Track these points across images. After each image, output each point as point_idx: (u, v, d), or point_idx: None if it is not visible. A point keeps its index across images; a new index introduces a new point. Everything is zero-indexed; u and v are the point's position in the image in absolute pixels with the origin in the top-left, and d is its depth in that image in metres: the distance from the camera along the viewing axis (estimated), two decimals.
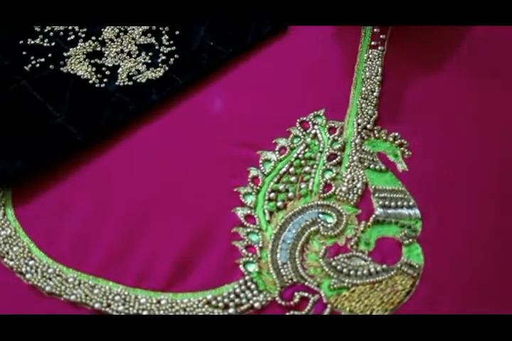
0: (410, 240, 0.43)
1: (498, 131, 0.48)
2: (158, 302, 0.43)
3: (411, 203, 0.45)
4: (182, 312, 0.42)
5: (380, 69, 0.51)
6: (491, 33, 0.53)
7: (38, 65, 0.52)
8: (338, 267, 0.43)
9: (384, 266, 0.42)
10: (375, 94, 0.50)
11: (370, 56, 0.52)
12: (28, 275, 0.44)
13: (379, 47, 0.52)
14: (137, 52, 0.53)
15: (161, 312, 0.42)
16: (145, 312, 0.42)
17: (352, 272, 0.42)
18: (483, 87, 0.50)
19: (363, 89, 0.50)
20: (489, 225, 0.44)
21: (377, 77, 0.51)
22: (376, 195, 0.45)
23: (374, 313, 0.41)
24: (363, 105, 0.50)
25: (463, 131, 0.48)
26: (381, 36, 0.53)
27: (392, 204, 0.45)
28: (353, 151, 0.48)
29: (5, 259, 0.45)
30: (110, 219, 0.46)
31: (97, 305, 0.43)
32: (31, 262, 0.45)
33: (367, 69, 0.51)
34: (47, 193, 0.47)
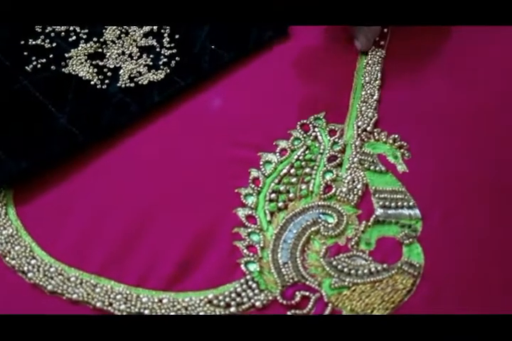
0: (411, 240, 0.44)
1: (497, 131, 0.49)
2: (160, 301, 0.43)
3: (411, 203, 0.46)
4: (183, 311, 0.43)
5: (379, 75, 0.52)
6: (490, 34, 0.54)
7: (39, 66, 0.52)
8: (339, 266, 0.43)
9: (385, 266, 0.43)
10: (374, 97, 0.51)
11: (370, 62, 0.53)
12: (29, 274, 0.44)
13: (378, 53, 0.53)
14: (138, 54, 0.54)
15: (163, 311, 0.43)
16: (147, 311, 0.43)
17: (353, 271, 0.43)
18: (482, 88, 0.51)
19: (363, 93, 0.51)
20: (489, 224, 0.45)
21: (377, 82, 0.52)
22: (376, 195, 0.46)
23: (375, 312, 0.42)
24: (363, 108, 0.50)
25: (461, 132, 0.49)
26: (381, 42, 0.54)
27: (393, 204, 0.46)
28: (354, 153, 0.48)
29: (7, 258, 0.45)
30: (112, 219, 0.46)
31: (98, 304, 0.43)
32: (33, 261, 0.45)
33: (366, 74, 0.52)
34: (49, 192, 0.47)
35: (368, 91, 0.51)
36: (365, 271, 0.43)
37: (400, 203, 0.46)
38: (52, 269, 0.44)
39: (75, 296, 0.43)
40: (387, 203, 0.46)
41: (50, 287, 0.44)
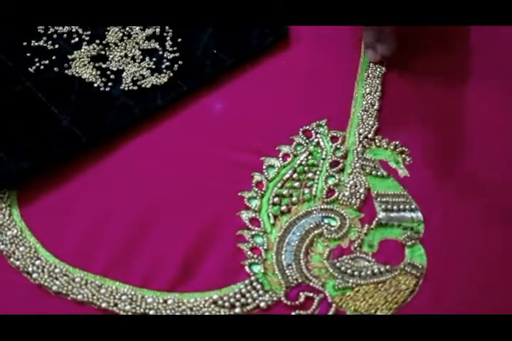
0: (413, 241, 0.45)
1: (496, 136, 0.51)
2: (165, 301, 0.43)
3: (413, 206, 0.47)
4: (188, 312, 0.43)
5: (379, 87, 0.53)
6: (487, 39, 0.56)
7: (42, 67, 0.52)
8: (343, 268, 0.44)
9: (387, 267, 0.44)
10: (375, 107, 0.52)
11: (370, 75, 0.54)
12: (34, 275, 0.44)
13: (378, 69, 0.54)
14: (141, 57, 0.54)
15: (168, 312, 0.43)
16: (152, 312, 0.43)
17: (356, 273, 0.44)
18: (481, 94, 0.53)
19: (364, 102, 0.52)
20: (490, 225, 0.46)
21: (377, 93, 0.53)
22: (378, 199, 0.47)
23: (378, 312, 0.43)
24: (364, 117, 0.52)
25: (460, 136, 0.51)
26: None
27: (395, 207, 0.47)
28: (355, 159, 0.49)
29: (11, 259, 0.45)
30: (116, 220, 0.47)
31: (104, 305, 0.43)
32: (38, 262, 0.45)
33: (367, 85, 0.53)
34: (53, 193, 0.48)
35: (369, 101, 0.52)
36: (369, 272, 0.44)
37: (402, 206, 0.47)
38: (56, 270, 0.44)
39: (79, 297, 0.43)
40: (389, 206, 0.47)
41: (54, 288, 0.44)
